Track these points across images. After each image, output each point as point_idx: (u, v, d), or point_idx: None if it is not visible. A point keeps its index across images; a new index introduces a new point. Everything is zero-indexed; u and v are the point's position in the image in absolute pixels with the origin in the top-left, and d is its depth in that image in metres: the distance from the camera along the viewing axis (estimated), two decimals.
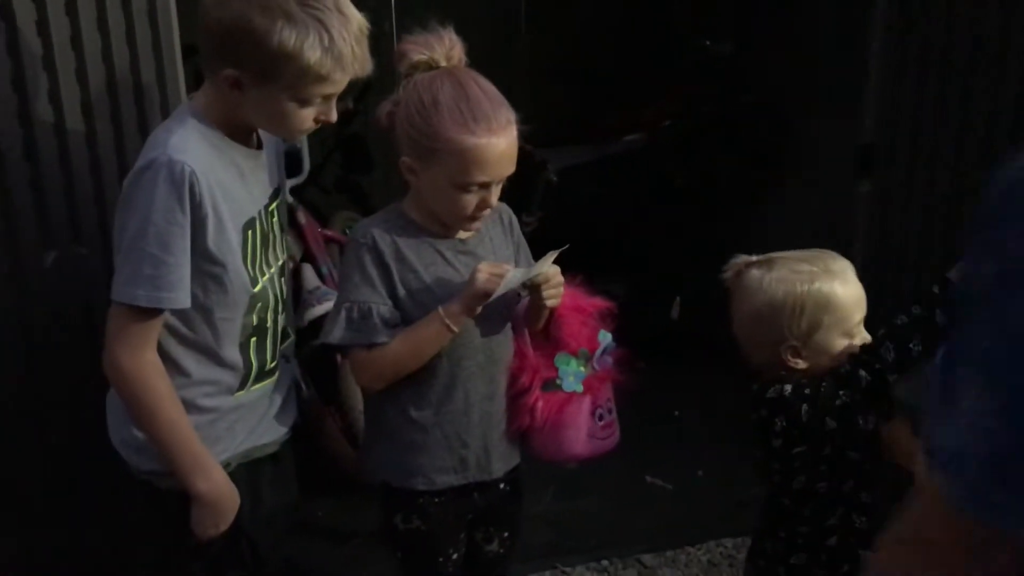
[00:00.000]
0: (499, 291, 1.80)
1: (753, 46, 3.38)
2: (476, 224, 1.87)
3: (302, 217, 3.17)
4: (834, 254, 1.81)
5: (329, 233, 3.31)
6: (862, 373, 1.68)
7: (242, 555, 1.81)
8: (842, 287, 1.76)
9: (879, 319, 1.74)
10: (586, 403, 1.97)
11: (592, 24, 4.10)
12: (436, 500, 1.94)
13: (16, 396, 1.87)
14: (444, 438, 1.91)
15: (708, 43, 3.45)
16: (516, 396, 1.96)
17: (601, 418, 2.00)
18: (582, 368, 1.97)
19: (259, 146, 1.77)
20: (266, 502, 1.84)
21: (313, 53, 1.56)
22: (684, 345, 3.06)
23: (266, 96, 1.61)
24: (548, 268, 1.87)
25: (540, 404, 1.94)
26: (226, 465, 1.75)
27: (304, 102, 1.63)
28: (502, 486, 2.03)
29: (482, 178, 1.77)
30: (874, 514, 1.85)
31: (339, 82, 1.63)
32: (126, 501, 1.82)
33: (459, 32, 1.81)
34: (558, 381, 1.95)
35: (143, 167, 1.58)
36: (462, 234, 1.89)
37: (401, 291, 1.83)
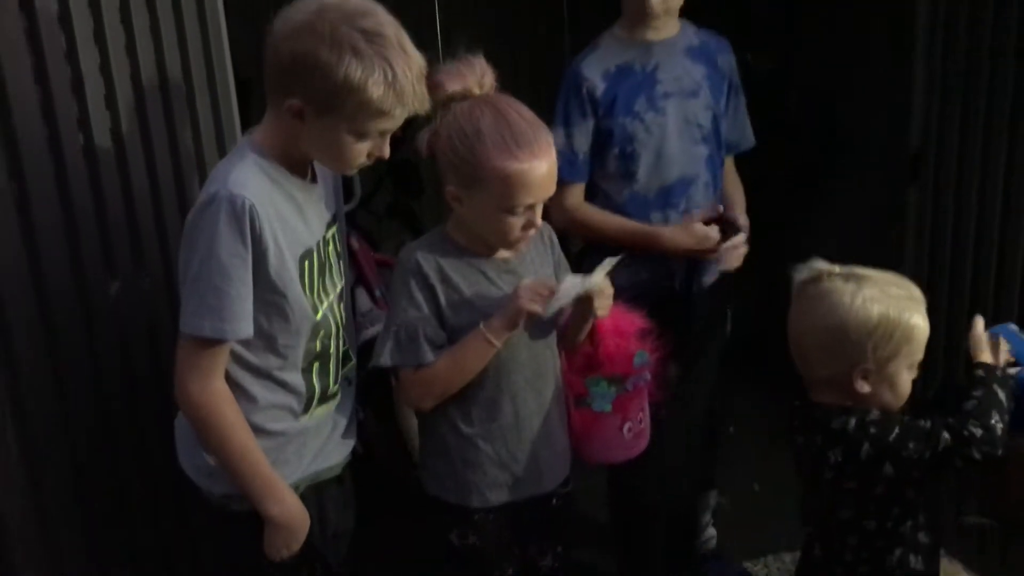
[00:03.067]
0: (556, 304, 1.85)
1: (795, 60, 3.39)
2: (522, 244, 1.91)
3: (355, 242, 3.24)
4: (910, 283, 1.80)
5: (381, 257, 3.37)
6: (945, 436, 1.68)
7: (314, 574, 1.85)
8: (923, 321, 1.76)
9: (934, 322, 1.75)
10: (615, 420, 2.04)
11: None
12: (491, 516, 1.99)
13: (85, 423, 1.92)
14: (495, 454, 1.96)
15: (749, 57, 3.46)
16: None
17: (630, 430, 2.05)
18: (612, 389, 2.01)
19: (314, 179, 1.82)
20: (332, 522, 1.89)
21: (377, 88, 1.62)
22: (735, 356, 3.05)
23: (326, 127, 1.67)
24: (601, 279, 1.89)
25: (573, 418, 2.03)
26: (295, 487, 1.79)
27: (362, 136, 1.69)
28: (554, 501, 2.06)
29: (528, 200, 1.83)
30: (932, 557, 1.84)
31: (397, 118, 1.69)
32: (197, 526, 1.87)
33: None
34: (588, 400, 1.99)
35: (205, 202, 1.64)
36: (503, 254, 1.94)
37: (446, 311, 1.88)
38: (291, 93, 1.65)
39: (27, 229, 1.76)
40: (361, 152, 1.72)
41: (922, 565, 1.81)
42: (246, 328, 1.67)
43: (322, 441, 1.87)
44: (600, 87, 2.42)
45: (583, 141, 2.44)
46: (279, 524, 1.74)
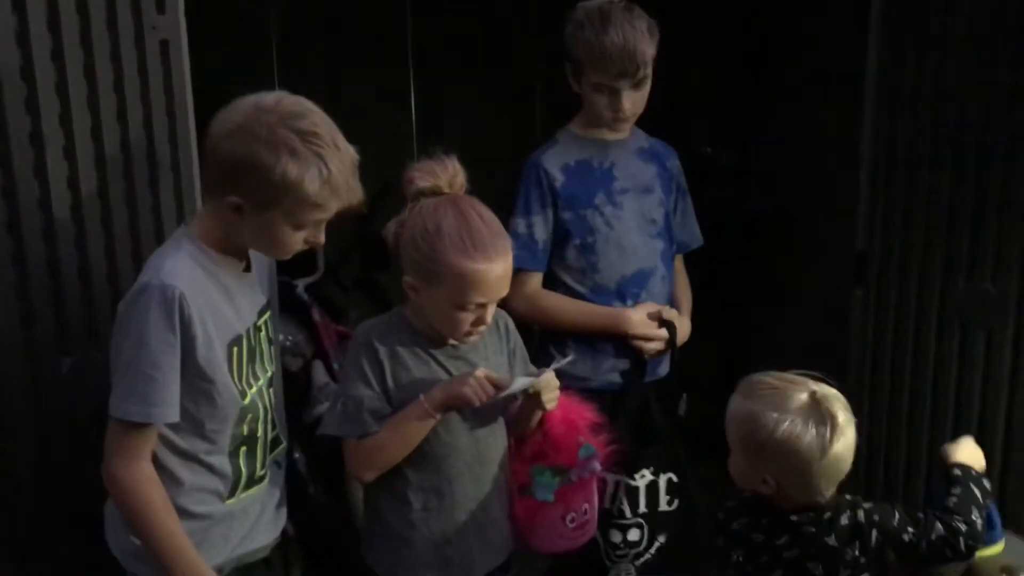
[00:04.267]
0: (504, 395, 1.93)
1: (755, 155, 3.50)
2: (472, 339, 1.98)
3: (316, 315, 3.29)
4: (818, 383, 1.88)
5: (343, 330, 3.41)
6: (938, 526, 1.79)
7: None
8: (772, 426, 1.81)
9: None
10: (557, 510, 2.09)
11: None
12: None
13: (27, 503, 1.96)
14: (429, 534, 2.02)
15: (709, 150, 3.57)
16: None
17: (572, 520, 2.09)
18: (556, 479, 2.06)
19: (248, 268, 1.90)
20: None
21: (312, 184, 1.70)
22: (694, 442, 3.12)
23: (265, 221, 1.75)
24: (548, 376, 1.98)
25: (516, 506, 2.08)
26: (219, 570, 1.83)
27: (299, 227, 1.77)
28: None
29: (480, 299, 1.91)
30: None
31: (332, 209, 1.77)
32: None
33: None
34: (532, 489, 2.04)
35: (138, 291, 1.72)
36: (453, 340, 2.00)
37: (392, 389, 1.97)
38: (230, 191, 1.73)
39: None
40: (298, 240, 1.80)
41: None
42: (172, 413, 1.73)
43: (249, 524, 1.91)
44: (560, 179, 2.50)
45: (543, 231, 2.51)
46: None
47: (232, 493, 1.87)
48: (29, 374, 1.95)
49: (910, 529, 1.79)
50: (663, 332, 2.54)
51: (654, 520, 2.55)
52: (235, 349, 1.83)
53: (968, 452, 1.96)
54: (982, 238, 2.46)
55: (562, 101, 2.61)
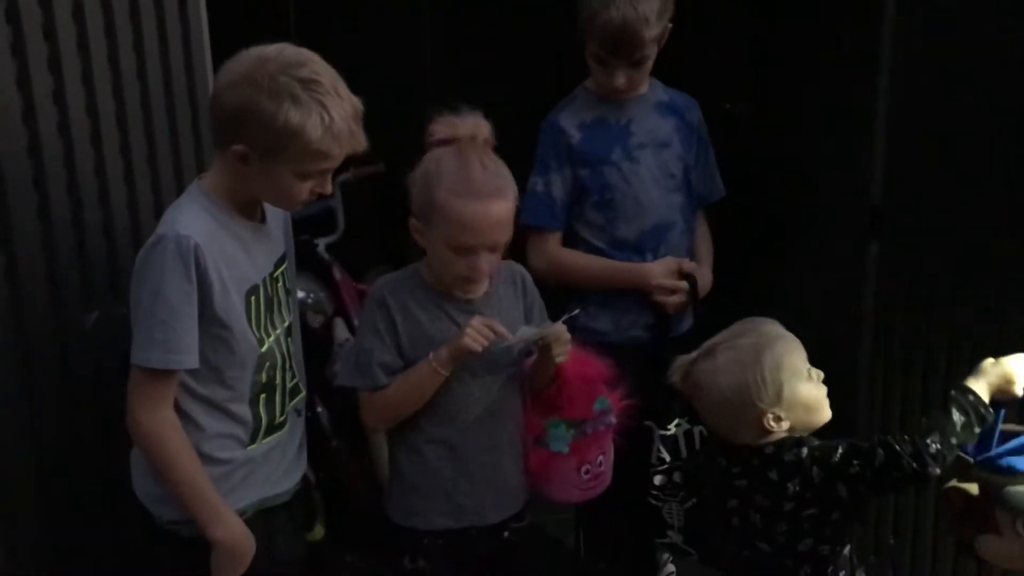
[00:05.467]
0: (506, 345, 1.96)
1: (769, 109, 3.49)
2: (472, 286, 2.01)
3: (337, 273, 3.33)
4: (757, 318, 1.95)
5: (364, 288, 3.45)
6: (880, 452, 1.79)
7: None
8: (782, 343, 1.90)
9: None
10: (571, 462, 2.12)
11: None
12: (439, 542, 2.09)
13: (56, 453, 2.01)
14: (442, 483, 2.07)
15: (728, 106, 3.57)
16: None
17: (587, 472, 2.12)
18: (571, 432, 2.09)
19: (263, 219, 1.93)
20: (280, 548, 1.98)
21: (315, 131, 1.73)
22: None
23: (271, 170, 1.78)
24: (557, 327, 2.01)
25: (530, 457, 2.11)
26: (242, 513, 1.88)
27: (304, 176, 1.80)
28: (506, 535, 2.14)
29: (471, 241, 1.93)
30: None
31: (336, 157, 1.80)
32: (153, 551, 1.96)
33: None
34: (546, 441, 2.07)
35: (154, 242, 1.76)
36: (467, 294, 2.03)
37: (405, 343, 2.01)
38: (235, 140, 1.76)
39: (10, 262, 1.86)
40: (304, 190, 1.83)
41: None
42: (191, 360, 1.78)
43: (270, 469, 1.96)
44: (576, 137, 2.51)
45: (561, 189, 2.53)
46: (225, 548, 1.82)
47: (253, 439, 1.92)
48: (55, 329, 2.00)
49: (855, 462, 1.79)
50: (684, 284, 2.55)
51: (695, 469, 2.56)
52: (253, 298, 1.87)
53: (1000, 371, 1.85)
54: (999, 192, 2.45)
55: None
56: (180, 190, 2.32)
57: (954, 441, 1.78)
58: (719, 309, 2.57)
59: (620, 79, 2.44)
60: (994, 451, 1.82)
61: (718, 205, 2.75)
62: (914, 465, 1.75)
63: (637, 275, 2.54)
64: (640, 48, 2.38)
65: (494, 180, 1.95)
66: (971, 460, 1.84)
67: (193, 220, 1.78)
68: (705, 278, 2.63)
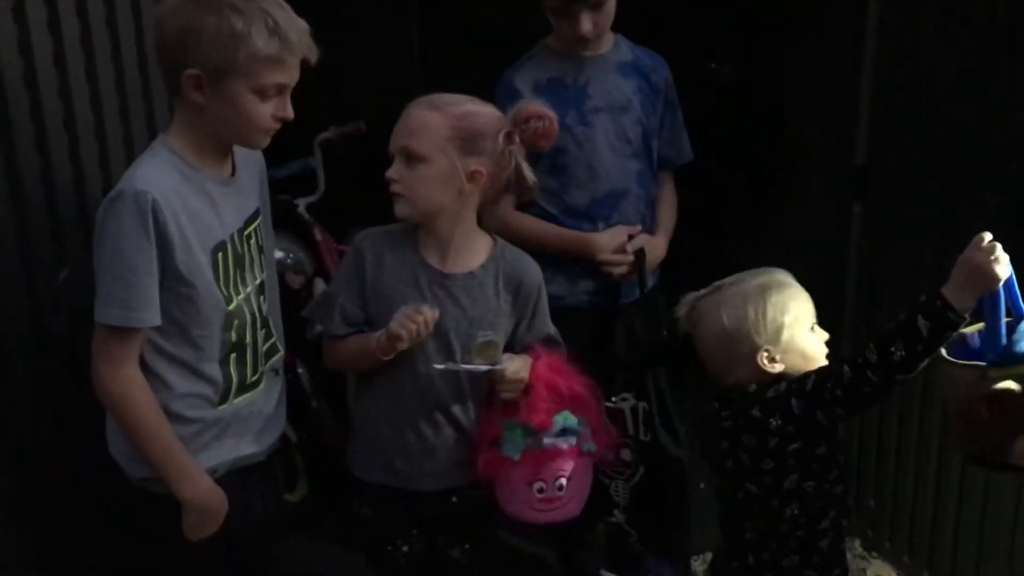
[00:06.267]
0: (447, 367, 1.98)
1: (754, 69, 3.45)
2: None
3: (317, 233, 3.29)
4: (772, 268, 1.95)
5: (344, 248, 3.41)
6: (845, 368, 1.77)
7: (233, 559, 1.92)
8: (792, 290, 1.91)
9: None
10: (523, 472, 2.04)
11: None
12: (383, 493, 2.12)
13: (31, 411, 1.98)
14: (380, 443, 2.09)
15: (713, 65, 3.52)
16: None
17: (541, 491, 2.05)
18: (526, 440, 2.03)
19: (233, 173, 1.88)
20: (256, 508, 1.96)
21: (261, 35, 1.70)
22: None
23: (226, 92, 1.74)
24: (514, 365, 2.00)
25: (482, 457, 2.07)
26: (213, 472, 1.86)
27: (262, 93, 1.75)
28: (454, 499, 2.13)
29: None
30: (848, 519, 2.01)
31: (290, 67, 1.76)
32: (127, 509, 1.94)
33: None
34: (500, 442, 2.03)
35: (113, 198, 1.72)
36: (448, 268, 2.01)
37: (369, 294, 2.03)
38: (185, 66, 1.72)
39: None
40: (265, 113, 1.78)
41: (841, 529, 1.96)
42: (152, 317, 1.74)
43: (243, 429, 1.94)
44: (528, 98, 2.44)
45: None
46: (194, 507, 1.81)
47: (224, 399, 1.89)
48: (26, 285, 1.96)
49: (828, 384, 1.78)
50: (629, 257, 2.51)
51: (639, 447, 2.56)
52: (220, 255, 1.83)
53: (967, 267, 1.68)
54: (982, 153, 2.43)
55: None
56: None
57: (920, 348, 1.68)
58: (703, 270, 2.54)
59: (586, 24, 2.37)
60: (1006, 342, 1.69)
61: (700, 166, 2.70)
62: (878, 374, 1.71)
63: (583, 245, 2.51)
64: None
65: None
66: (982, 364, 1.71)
67: (153, 174, 1.74)
68: (658, 248, 2.58)
